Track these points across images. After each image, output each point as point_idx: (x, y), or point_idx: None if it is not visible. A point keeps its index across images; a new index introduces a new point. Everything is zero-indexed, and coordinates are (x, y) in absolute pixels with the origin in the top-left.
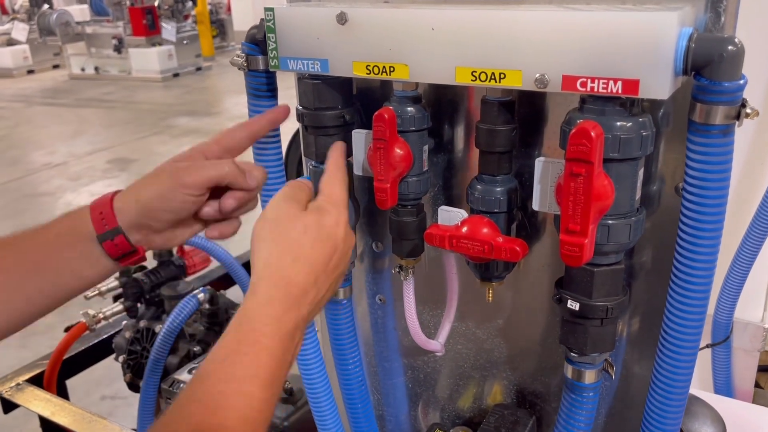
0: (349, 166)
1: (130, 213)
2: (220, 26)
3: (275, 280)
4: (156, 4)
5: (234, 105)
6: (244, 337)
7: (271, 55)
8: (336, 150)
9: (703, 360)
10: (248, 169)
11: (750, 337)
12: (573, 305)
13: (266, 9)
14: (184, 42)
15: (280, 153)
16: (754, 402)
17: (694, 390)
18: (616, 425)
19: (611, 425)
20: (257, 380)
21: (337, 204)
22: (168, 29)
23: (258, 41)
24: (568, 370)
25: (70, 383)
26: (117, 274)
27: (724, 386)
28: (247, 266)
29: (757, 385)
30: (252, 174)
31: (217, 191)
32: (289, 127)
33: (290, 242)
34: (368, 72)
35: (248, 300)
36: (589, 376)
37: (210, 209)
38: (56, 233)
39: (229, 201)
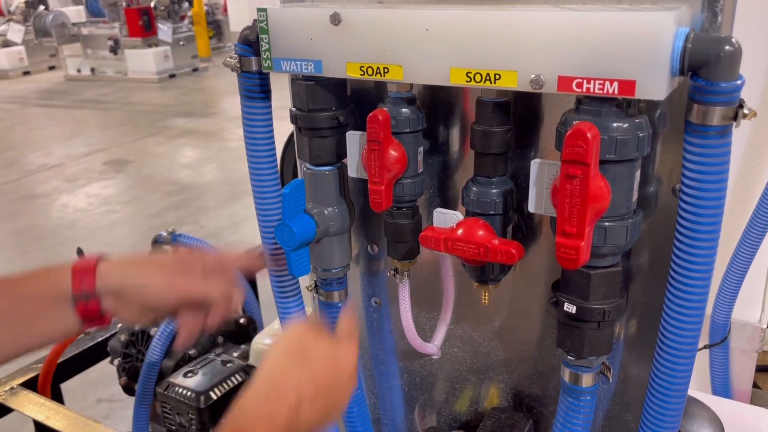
0: (344, 168)
1: (111, 283)
2: (216, 27)
3: (275, 380)
4: (152, 5)
5: (231, 106)
6: (237, 430)
7: (264, 56)
8: (349, 307)
9: (701, 361)
10: (234, 293)
11: (748, 337)
12: (570, 308)
13: (259, 10)
14: (181, 43)
15: (275, 157)
16: (752, 402)
17: (691, 391)
18: (613, 428)
19: (609, 428)
20: None
21: (351, 338)
22: (164, 30)
23: (251, 42)
24: (565, 374)
25: (66, 385)
26: None
27: (722, 387)
28: None
29: (755, 385)
30: (236, 299)
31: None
32: (285, 129)
33: (300, 351)
34: (362, 73)
35: (247, 394)
36: (587, 380)
37: (184, 326)
38: (32, 287)
39: (212, 321)
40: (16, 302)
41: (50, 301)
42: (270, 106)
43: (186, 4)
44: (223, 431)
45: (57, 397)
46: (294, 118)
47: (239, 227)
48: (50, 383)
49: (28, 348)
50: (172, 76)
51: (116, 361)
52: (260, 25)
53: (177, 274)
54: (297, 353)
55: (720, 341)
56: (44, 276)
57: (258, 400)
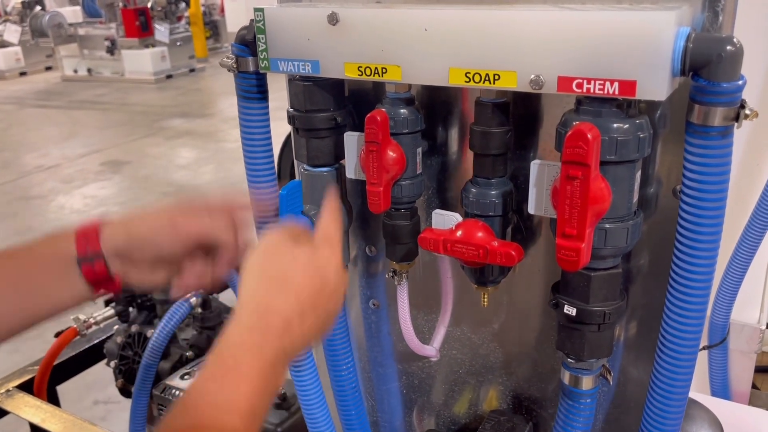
0: (342, 170)
1: (116, 240)
2: (213, 27)
3: (257, 307)
4: (149, 5)
5: (228, 106)
6: (223, 365)
7: (261, 57)
8: (331, 194)
9: (700, 362)
10: (240, 229)
11: (747, 338)
12: (570, 310)
13: (256, 9)
14: (178, 43)
15: (272, 158)
16: (750, 403)
17: (690, 392)
18: (613, 430)
19: (609, 430)
20: (237, 410)
21: (330, 242)
22: (161, 31)
23: (248, 42)
24: (565, 376)
25: (63, 388)
26: None
27: (721, 388)
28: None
29: (753, 386)
30: (243, 235)
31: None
32: (282, 131)
33: (278, 272)
34: (360, 73)
35: (230, 327)
36: (587, 382)
37: (191, 269)
38: (37, 253)
39: (221, 266)
40: (22, 271)
41: (56, 266)
42: (267, 107)
43: (183, 5)
44: (209, 368)
45: (53, 399)
46: (291, 119)
47: None
48: (46, 385)
49: (39, 317)
50: (169, 76)
51: (113, 363)
52: (257, 25)
53: (181, 214)
54: (275, 275)
55: (719, 342)
56: (48, 242)
57: (243, 333)
